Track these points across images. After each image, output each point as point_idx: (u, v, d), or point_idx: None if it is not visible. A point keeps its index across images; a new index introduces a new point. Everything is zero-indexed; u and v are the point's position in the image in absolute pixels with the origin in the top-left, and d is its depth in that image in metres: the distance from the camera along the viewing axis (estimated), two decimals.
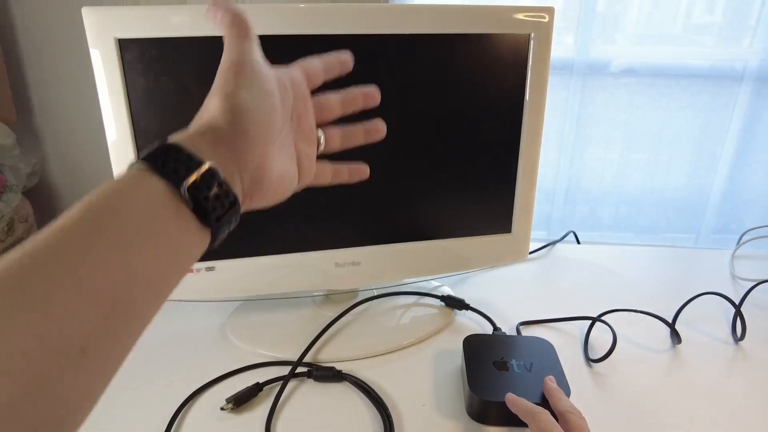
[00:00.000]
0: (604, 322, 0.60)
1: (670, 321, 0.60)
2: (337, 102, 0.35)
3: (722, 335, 0.60)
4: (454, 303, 0.64)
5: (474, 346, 0.52)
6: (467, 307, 0.63)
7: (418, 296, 0.66)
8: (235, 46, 0.31)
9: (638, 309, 0.62)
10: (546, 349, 0.52)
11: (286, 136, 0.32)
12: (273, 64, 0.50)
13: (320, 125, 0.35)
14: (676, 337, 0.58)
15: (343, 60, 0.36)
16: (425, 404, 0.49)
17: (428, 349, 0.58)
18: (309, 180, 0.35)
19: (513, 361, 0.49)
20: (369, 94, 0.36)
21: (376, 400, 0.49)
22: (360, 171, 0.38)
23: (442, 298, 0.64)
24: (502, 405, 0.44)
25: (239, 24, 0.32)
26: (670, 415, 0.48)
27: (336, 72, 0.36)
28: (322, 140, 0.35)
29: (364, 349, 0.57)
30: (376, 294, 0.65)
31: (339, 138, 0.36)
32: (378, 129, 0.37)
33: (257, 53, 0.32)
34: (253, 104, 0.29)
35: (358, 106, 0.36)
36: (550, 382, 0.46)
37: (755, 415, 0.48)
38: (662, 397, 0.50)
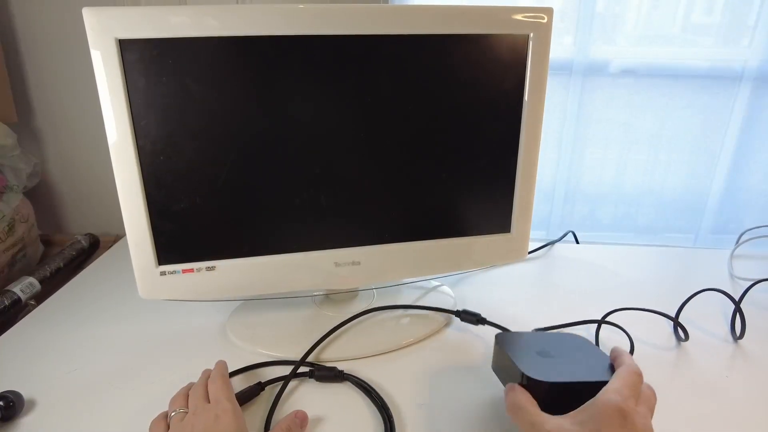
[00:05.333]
0: (615, 324, 0.59)
1: (672, 318, 0.60)
2: None
3: (721, 333, 0.60)
4: (470, 318, 0.59)
5: (509, 341, 0.47)
6: (484, 321, 0.59)
7: (430, 311, 0.64)
8: None
9: (641, 307, 0.63)
10: (581, 342, 0.48)
11: None
12: (272, 66, 0.50)
13: None
14: (682, 332, 0.58)
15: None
16: (424, 404, 0.49)
17: (429, 349, 0.58)
18: None
19: (552, 352, 0.45)
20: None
21: (377, 400, 0.49)
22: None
23: (457, 313, 0.61)
24: (563, 386, 0.40)
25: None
26: (669, 413, 0.48)
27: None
28: None
29: (366, 349, 0.57)
30: (382, 305, 0.63)
31: None
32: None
33: None
34: None
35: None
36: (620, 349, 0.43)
37: (753, 413, 0.48)
38: (661, 395, 0.50)
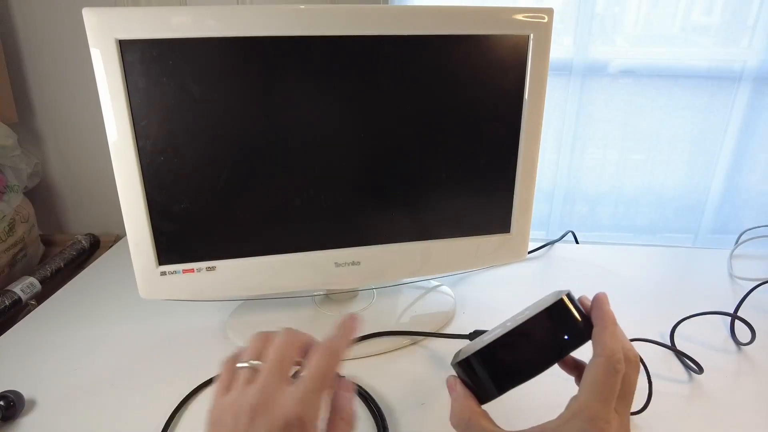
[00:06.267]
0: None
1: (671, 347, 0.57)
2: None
3: (720, 338, 0.60)
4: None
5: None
6: None
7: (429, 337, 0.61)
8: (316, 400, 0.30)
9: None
10: (534, 303, 0.40)
11: None
12: (272, 67, 0.50)
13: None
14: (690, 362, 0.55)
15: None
16: (424, 403, 0.49)
17: (427, 349, 0.58)
18: None
19: (499, 331, 0.36)
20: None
21: (369, 403, 0.49)
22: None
23: (470, 336, 0.56)
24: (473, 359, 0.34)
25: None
26: (667, 417, 0.48)
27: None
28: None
29: (364, 350, 0.57)
30: (405, 330, 0.60)
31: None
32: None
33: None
34: None
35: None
36: (604, 298, 0.35)
37: (760, 421, 0.48)
38: (659, 397, 0.50)
